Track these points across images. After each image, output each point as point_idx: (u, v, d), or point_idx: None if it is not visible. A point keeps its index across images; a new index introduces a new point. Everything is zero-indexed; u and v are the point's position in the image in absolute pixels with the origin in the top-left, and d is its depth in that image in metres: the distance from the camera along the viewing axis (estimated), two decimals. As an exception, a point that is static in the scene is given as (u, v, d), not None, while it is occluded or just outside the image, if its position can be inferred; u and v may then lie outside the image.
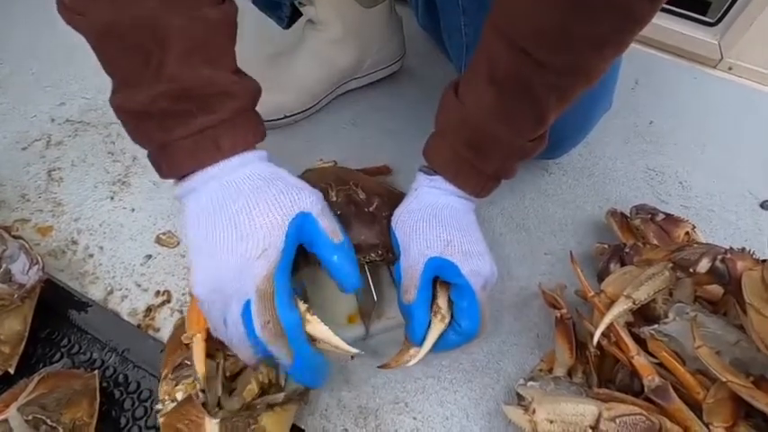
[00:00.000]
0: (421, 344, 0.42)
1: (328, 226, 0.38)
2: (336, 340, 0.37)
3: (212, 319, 0.36)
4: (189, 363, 0.39)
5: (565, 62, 0.38)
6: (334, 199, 0.47)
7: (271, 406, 0.39)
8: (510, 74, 0.40)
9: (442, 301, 0.42)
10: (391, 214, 0.47)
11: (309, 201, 0.37)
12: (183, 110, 0.35)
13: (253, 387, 0.40)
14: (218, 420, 0.36)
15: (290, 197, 0.36)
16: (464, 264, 0.41)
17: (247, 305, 0.34)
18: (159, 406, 0.39)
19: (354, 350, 0.38)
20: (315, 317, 0.37)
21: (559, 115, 0.43)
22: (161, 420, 0.38)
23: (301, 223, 0.36)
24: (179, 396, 0.38)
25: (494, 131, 0.42)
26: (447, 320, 0.42)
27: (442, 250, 0.42)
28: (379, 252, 0.46)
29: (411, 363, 0.42)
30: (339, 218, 0.45)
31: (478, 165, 0.44)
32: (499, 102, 0.41)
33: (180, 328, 0.44)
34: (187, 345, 0.41)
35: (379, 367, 0.46)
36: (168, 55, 0.33)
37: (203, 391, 0.39)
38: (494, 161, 0.44)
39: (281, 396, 0.40)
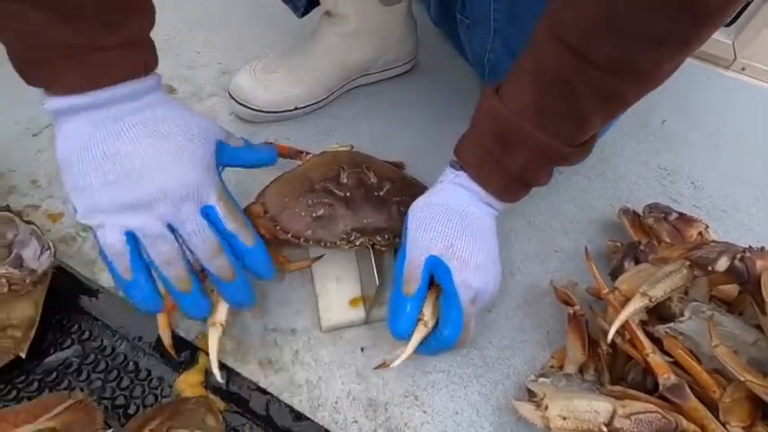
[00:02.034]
0: (402, 338, 0.42)
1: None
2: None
3: (148, 223, 0.35)
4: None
5: (610, 58, 0.35)
6: (345, 181, 0.48)
7: None
8: (551, 68, 0.38)
9: (426, 308, 0.42)
10: (403, 200, 0.47)
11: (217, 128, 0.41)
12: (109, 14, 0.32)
13: None
14: None
15: (206, 123, 0.40)
16: (458, 272, 0.41)
17: (208, 209, 0.37)
18: None
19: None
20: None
21: (608, 122, 0.41)
22: None
23: (222, 146, 0.41)
24: None
25: (524, 127, 0.40)
26: (429, 326, 0.42)
27: (443, 251, 0.41)
28: (386, 236, 0.46)
29: (394, 365, 0.42)
30: (348, 200, 0.46)
31: (503, 161, 0.43)
32: (536, 97, 0.39)
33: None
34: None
35: (375, 368, 0.46)
36: None
37: None
38: (519, 158, 0.42)
39: None
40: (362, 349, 0.49)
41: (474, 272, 0.42)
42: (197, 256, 0.37)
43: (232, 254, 0.38)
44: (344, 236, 0.45)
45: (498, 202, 0.45)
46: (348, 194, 0.47)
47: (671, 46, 0.34)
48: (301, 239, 0.45)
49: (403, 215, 0.46)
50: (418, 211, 0.44)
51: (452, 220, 0.43)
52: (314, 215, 0.46)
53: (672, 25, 0.32)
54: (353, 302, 0.49)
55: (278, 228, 0.46)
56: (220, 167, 0.41)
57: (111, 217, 0.35)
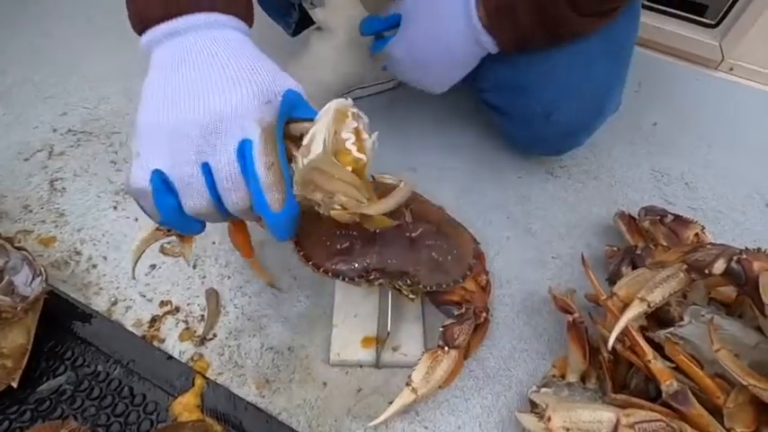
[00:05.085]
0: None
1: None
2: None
3: (178, 160, 0.32)
4: None
5: None
6: None
7: None
8: None
9: (416, 375, 0.41)
10: (436, 244, 0.45)
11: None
12: None
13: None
14: None
15: (283, 74, 0.35)
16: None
17: (245, 145, 0.31)
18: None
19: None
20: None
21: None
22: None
23: (296, 98, 0.35)
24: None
25: None
26: (418, 394, 0.41)
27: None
28: (408, 282, 0.43)
29: (374, 423, 0.42)
30: (376, 236, 0.44)
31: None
32: None
33: None
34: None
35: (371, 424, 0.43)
36: None
37: None
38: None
39: None
40: (361, 366, 0.48)
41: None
42: (225, 204, 0.33)
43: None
44: (363, 274, 0.43)
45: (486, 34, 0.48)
46: (377, 231, 0.44)
47: None
48: (320, 270, 0.43)
49: (434, 261, 0.44)
50: None
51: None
52: (338, 247, 0.44)
53: None
54: (366, 342, 0.48)
55: (301, 254, 0.44)
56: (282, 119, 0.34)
57: (147, 149, 0.33)
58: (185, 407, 0.44)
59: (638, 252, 0.48)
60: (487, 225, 0.61)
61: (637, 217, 0.57)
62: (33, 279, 0.47)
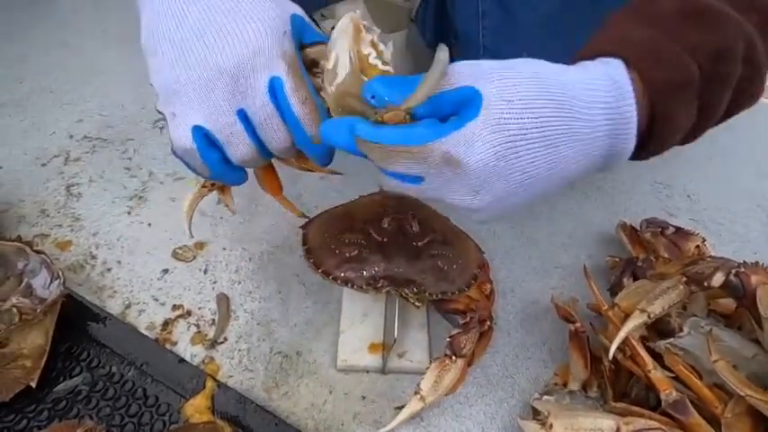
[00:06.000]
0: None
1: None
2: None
3: (214, 112, 0.31)
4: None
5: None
6: (385, 226, 0.47)
7: None
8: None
9: (425, 383, 0.42)
10: (442, 254, 0.46)
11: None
12: None
13: None
14: None
15: None
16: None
17: (275, 83, 0.31)
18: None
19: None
20: None
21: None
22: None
23: (302, 22, 0.34)
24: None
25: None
26: (426, 402, 0.42)
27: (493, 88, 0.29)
28: (414, 290, 0.44)
29: (381, 431, 0.43)
30: (383, 245, 0.46)
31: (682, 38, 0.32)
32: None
33: None
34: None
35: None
36: None
37: None
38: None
39: None
40: (367, 372, 0.49)
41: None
42: (268, 146, 0.34)
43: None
44: (371, 281, 0.44)
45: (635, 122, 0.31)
46: (384, 240, 0.46)
47: None
48: (330, 277, 0.45)
49: (440, 270, 0.46)
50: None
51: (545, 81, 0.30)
52: (347, 255, 0.45)
53: None
54: (373, 348, 0.49)
55: (311, 261, 0.46)
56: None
57: (180, 108, 0.32)
58: (197, 409, 0.45)
59: (640, 264, 0.49)
60: (491, 235, 0.62)
61: (638, 228, 0.58)
62: (51, 282, 0.49)
